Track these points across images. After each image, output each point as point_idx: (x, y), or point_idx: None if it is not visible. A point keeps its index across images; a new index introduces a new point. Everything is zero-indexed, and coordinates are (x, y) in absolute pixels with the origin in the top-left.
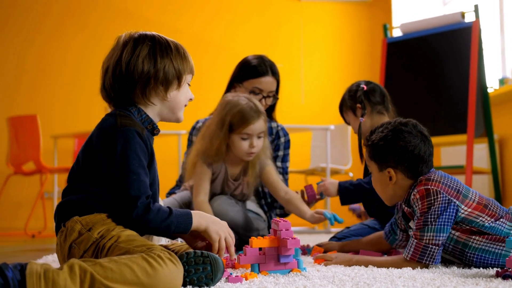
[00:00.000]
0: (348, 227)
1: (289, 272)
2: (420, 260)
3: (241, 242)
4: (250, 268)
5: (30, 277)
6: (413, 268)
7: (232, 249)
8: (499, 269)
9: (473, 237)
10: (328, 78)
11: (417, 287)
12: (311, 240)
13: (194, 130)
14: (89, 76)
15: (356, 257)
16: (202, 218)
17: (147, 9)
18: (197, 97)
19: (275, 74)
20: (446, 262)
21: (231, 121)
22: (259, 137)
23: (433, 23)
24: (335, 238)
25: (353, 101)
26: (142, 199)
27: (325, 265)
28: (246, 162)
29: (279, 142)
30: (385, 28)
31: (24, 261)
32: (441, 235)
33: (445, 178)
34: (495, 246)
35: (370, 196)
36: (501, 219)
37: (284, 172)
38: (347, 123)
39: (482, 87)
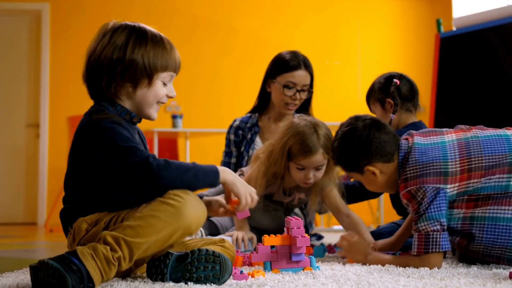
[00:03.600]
0: (379, 227)
1: (300, 271)
2: (426, 250)
3: None
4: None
5: (85, 259)
6: (431, 263)
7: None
8: None
9: (477, 209)
10: None
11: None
12: None
13: (231, 129)
14: None
15: (372, 254)
16: (228, 173)
17: (204, 8)
18: (253, 96)
19: (308, 67)
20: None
21: (290, 149)
22: (317, 169)
23: (489, 16)
24: None
25: (384, 94)
26: (153, 156)
27: (342, 256)
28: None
29: None
30: (438, 23)
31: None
32: (438, 220)
33: (421, 165)
34: (502, 211)
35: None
36: (497, 175)
37: None
38: (372, 113)
39: None
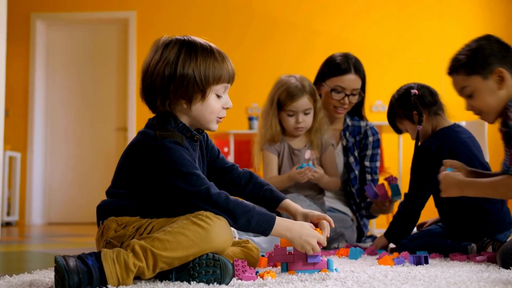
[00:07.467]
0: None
1: (316, 272)
2: None
3: None
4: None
5: (106, 262)
6: None
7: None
8: None
9: None
10: None
11: None
12: None
13: None
14: None
15: (465, 182)
16: (289, 230)
17: (283, 9)
18: None
19: (358, 71)
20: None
21: (279, 99)
22: (306, 114)
23: None
24: (406, 239)
25: (407, 109)
26: (214, 188)
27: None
28: (308, 138)
29: (367, 141)
30: None
31: None
32: None
33: None
34: None
35: (409, 220)
36: None
37: (372, 172)
38: (399, 132)
39: None
